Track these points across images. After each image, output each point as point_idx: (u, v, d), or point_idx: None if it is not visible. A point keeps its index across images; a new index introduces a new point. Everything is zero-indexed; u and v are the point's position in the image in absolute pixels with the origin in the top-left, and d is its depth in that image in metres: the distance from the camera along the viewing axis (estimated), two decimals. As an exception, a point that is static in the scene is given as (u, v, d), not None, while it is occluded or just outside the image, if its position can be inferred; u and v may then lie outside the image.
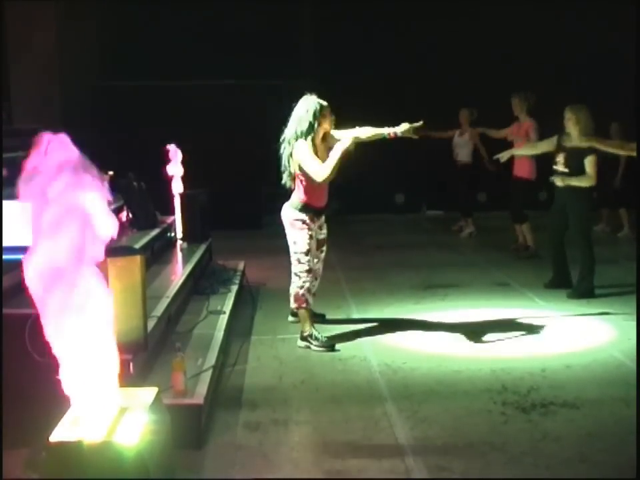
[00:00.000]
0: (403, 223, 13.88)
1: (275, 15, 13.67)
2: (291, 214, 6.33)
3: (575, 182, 7.71)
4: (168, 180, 8.84)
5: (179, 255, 8.19)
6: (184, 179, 8.91)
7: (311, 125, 6.13)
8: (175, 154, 8.83)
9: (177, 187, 8.85)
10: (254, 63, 13.21)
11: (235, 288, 7.65)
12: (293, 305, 6.51)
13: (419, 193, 14.84)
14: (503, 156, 8.54)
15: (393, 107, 13.60)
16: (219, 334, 6.01)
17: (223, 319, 6.46)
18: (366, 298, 7.91)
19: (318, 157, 6.11)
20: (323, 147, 6.26)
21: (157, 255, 7.62)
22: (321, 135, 6.25)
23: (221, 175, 11.89)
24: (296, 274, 6.37)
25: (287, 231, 6.40)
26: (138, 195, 8.07)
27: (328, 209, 6.51)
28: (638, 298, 6.95)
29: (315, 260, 6.48)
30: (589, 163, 7.70)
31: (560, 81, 13.44)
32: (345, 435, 4.59)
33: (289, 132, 6.23)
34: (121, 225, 7.83)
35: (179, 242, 8.59)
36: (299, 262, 6.33)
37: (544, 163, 8.54)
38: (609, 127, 11.48)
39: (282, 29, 13.91)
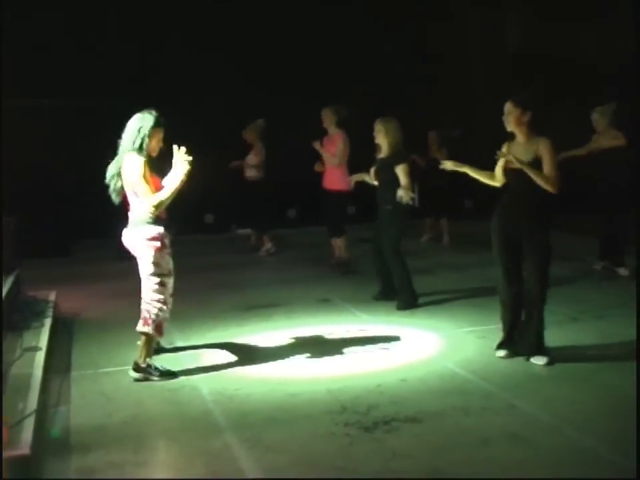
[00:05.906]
0: (215, 243, 13.64)
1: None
2: (142, 232, 5.80)
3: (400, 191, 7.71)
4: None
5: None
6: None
7: (142, 142, 5.79)
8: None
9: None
10: (63, 80, 12.61)
11: (48, 321, 7.17)
12: (144, 328, 5.90)
13: (227, 212, 14.65)
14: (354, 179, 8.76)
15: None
16: (38, 372, 5.58)
17: (40, 356, 6.01)
18: (188, 323, 7.57)
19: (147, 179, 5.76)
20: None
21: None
22: (151, 153, 5.89)
23: (22, 199, 11.19)
24: (155, 300, 5.89)
25: (139, 254, 5.87)
26: None
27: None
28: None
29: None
30: (401, 171, 7.80)
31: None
32: (188, 473, 4.33)
33: (121, 147, 5.88)
34: None
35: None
36: (160, 285, 5.87)
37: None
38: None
39: (93, 49, 13.33)
